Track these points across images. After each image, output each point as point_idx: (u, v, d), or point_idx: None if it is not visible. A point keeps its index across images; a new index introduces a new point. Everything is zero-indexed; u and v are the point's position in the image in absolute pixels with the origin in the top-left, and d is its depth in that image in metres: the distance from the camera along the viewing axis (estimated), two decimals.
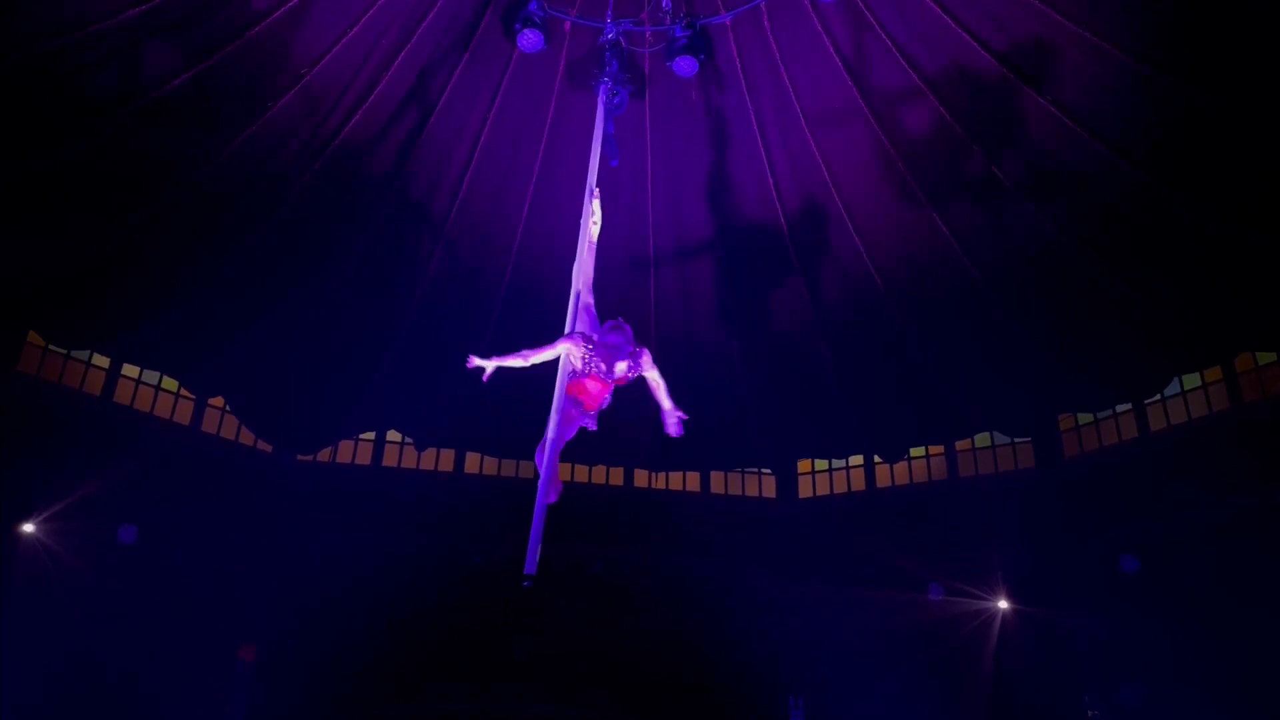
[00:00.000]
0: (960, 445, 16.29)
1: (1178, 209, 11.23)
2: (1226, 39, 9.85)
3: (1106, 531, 14.73)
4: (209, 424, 15.33)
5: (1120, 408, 14.75)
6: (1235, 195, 10.90)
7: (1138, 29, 10.17)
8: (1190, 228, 11.31)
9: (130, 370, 14.49)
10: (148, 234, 11.85)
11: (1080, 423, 15.35)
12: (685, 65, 11.07)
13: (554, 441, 6.95)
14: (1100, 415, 15.04)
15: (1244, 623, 13.01)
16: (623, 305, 11.47)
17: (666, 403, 7.61)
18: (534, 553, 6.62)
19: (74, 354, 13.96)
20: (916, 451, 16.42)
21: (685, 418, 7.58)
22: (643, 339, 14.07)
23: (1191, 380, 14.17)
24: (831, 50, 11.51)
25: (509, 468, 16.88)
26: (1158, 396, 14.30)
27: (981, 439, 16.12)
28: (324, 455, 16.22)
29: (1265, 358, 13.47)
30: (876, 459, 16.65)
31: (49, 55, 10.02)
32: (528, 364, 7.35)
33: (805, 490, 17.31)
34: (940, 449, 16.40)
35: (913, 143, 12.10)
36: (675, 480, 17.26)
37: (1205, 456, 13.91)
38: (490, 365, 7.47)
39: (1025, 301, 12.85)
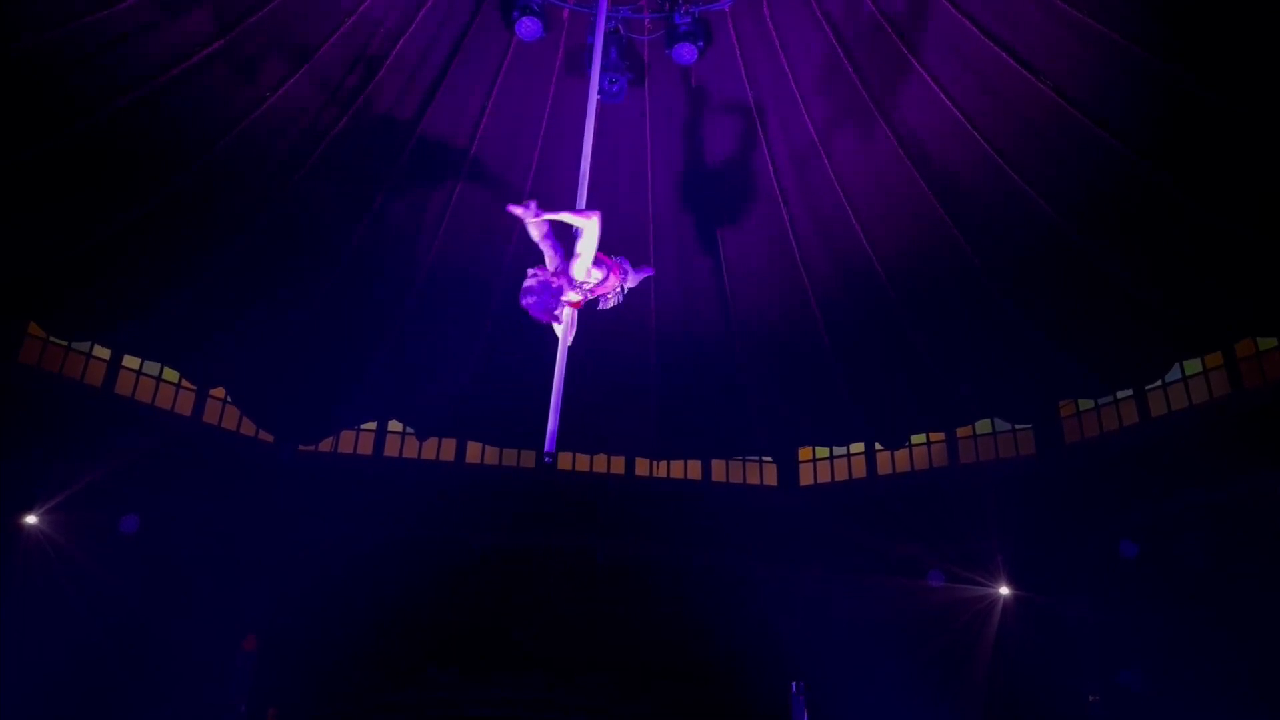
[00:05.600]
0: (961, 432, 16.28)
1: (1179, 196, 11.21)
2: (1231, 29, 9.78)
3: (1107, 517, 14.75)
4: (210, 415, 15.34)
5: (1121, 394, 14.74)
6: (1237, 186, 10.86)
7: (1143, 17, 10.12)
8: (1192, 214, 11.29)
9: (131, 361, 14.48)
10: (147, 224, 11.83)
11: (1081, 409, 15.34)
12: (684, 52, 11.04)
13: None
14: (1101, 401, 15.03)
15: (1244, 607, 13.07)
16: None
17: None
18: (553, 431, 6.91)
19: (75, 345, 13.95)
20: (917, 439, 16.41)
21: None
22: (643, 329, 14.14)
23: (1192, 366, 14.17)
24: (832, 37, 11.46)
25: (510, 457, 16.89)
26: (1159, 382, 14.29)
27: (982, 426, 16.12)
28: (325, 445, 16.24)
29: (1266, 343, 13.47)
30: (877, 446, 16.65)
31: (46, 45, 9.99)
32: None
33: (806, 478, 17.32)
34: (941, 436, 16.40)
35: (912, 129, 12.07)
36: (676, 469, 17.27)
37: (1207, 442, 13.91)
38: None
39: (1026, 288, 12.84)
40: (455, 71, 11.95)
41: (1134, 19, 10.13)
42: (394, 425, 16.52)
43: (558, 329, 7.08)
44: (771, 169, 12.85)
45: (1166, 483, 14.23)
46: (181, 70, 10.81)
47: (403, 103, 12.10)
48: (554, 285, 6.52)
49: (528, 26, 10.87)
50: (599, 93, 10.78)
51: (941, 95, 11.53)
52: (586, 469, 17.01)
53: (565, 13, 11.57)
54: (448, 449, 16.70)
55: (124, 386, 14.52)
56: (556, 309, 6.64)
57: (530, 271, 6.57)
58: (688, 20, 10.88)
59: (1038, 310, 13.03)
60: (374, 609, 15.59)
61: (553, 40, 11.64)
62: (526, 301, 6.46)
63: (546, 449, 6.94)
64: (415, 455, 16.58)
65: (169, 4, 10.18)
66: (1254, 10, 9.53)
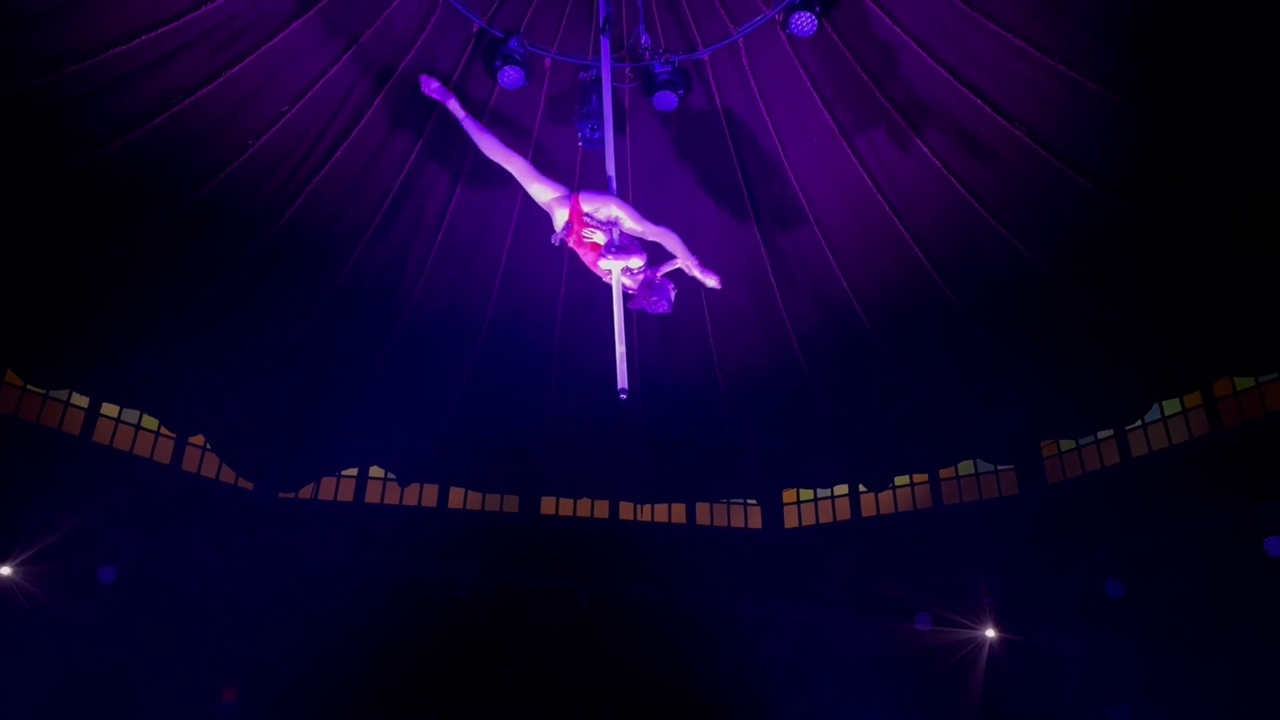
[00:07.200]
0: (944, 473, 16.32)
1: (1153, 238, 11.37)
2: (1201, 62, 9.94)
3: (1091, 556, 14.81)
4: (189, 462, 15.20)
5: (1102, 434, 14.85)
6: (1214, 219, 11.00)
7: (1110, 60, 10.33)
8: (1166, 257, 11.46)
9: (110, 409, 14.37)
10: (123, 271, 11.78)
11: (1063, 449, 15.44)
12: (665, 100, 11.21)
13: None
14: (1082, 442, 15.13)
15: (1228, 641, 13.26)
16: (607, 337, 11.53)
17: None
18: (622, 368, 7.69)
19: (53, 393, 13.85)
20: (901, 480, 16.45)
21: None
22: (628, 371, 14.12)
23: (1172, 406, 14.30)
24: (809, 85, 11.64)
25: (493, 502, 16.81)
26: (1139, 422, 14.39)
27: (965, 466, 16.18)
28: (305, 492, 16.11)
29: (1244, 383, 13.63)
30: (861, 488, 16.66)
31: (23, 95, 10.00)
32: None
33: (791, 520, 17.29)
34: (924, 477, 16.44)
35: (890, 173, 12.22)
36: (660, 512, 17.22)
37: (1187, 480, 14.03)
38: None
39: (1006, 330, 12.95)
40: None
41: (1105, 59, 10.32)
42: (375, 471, 16.43)
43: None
44: (751, 211, 12.96)
45: (1150, 520, 14.32)
46: (164, 118, 10.83)
47: (386, 149, 12.17)
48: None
49: (510, 75, 11.00)
50: (581, 140, 10.97)
51: (918, 140, 11.70)
52: (570, 514, 16.95)
53: (547, 61, 11.72)
54: (430, 495, 16.60)
55: (102, 434, 14.41)
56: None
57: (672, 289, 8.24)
58: (667, 69, 11.05)
59: (1018, 351, 13.14)
60: (357, 653, 15.44)
61: (535, 88, 11.77)
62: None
63: (621, 387, 7.64)
64: (397, 501, 16.47)
65: (149, 57, 10.22)
66: (1225, 41, 9.73)
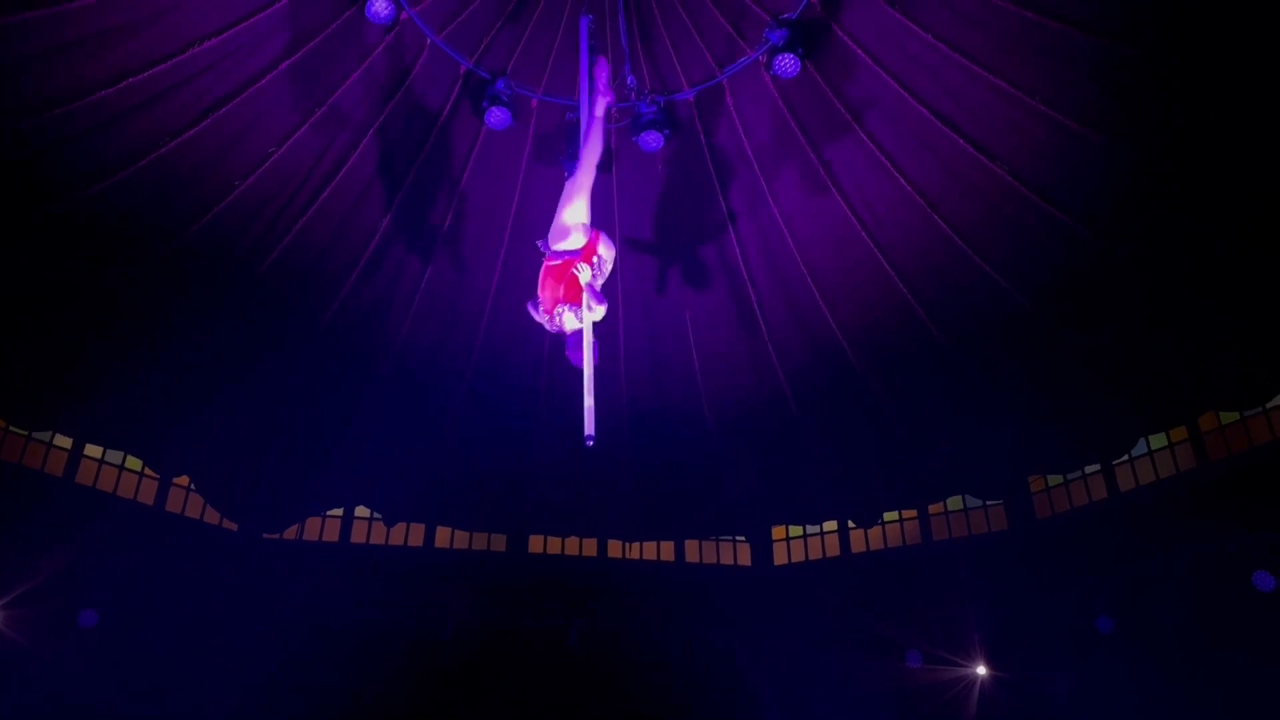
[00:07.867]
0: (933, 509, 16.28)
1: (1134, 275, 11.45)
2: (1200, 61, 9.93)
3: (1080, 590, 14.76)
4: (173, 503, 15.04)
5: (1089, 469, 14.86)
6: (1213, 219, 11.00)
7: (1092, 100, 10.46)
8: (1147, 293, 11.54)
9: (93, 450, 14.24)
10: (108, 311, 11.76)
11: (1050, 484, 15.44)
12: (651, 140, 11.31)
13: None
14: (1070, 476, 15.15)
15: (1216, 673, 13.22)
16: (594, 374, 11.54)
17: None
18: (590, 414, 7.56)
19: (35, 434, 13.73)
20: (890, 516, 16.39)
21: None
22: (614, 408, 14.13)
23: (1158, 440, 14.34)
24: (794, 124, 11.76)
25: (480, 540, 16.68)
26: (1126, 457, 14.43)
27: (954, 502, 16.14)
28: (290, 533, 15.96)
29: (1228, 417, 13.68)
30: (851, 524, 16.61)
31: (12, 134, 10.02)
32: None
33: (780, 557, 17.20)
34: (914, 513, 16.40)
35: (873, 210, 12.32)
36: (649, 550, 17.11)
37: (1174, 514, 14.03)
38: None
39: (993, 367, 13.00)
40: (426, 157, 12.11)
41: (1088, 98, 10.44)
42: (361, 510, 16.30)
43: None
44: (737, 249, 13.05)
45: (1138, 554, 14.30)
46: (151, 159, 10.87)
47: (373, 188, 12.21)
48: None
49: (497, 116, 11.11)
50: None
51: (900, 179, 11.81)
52: (559, 552, 16.84)
53: (534, 102, 11.83)
54: (416, 534, 16.45)
55: (85, 476, 14.26)
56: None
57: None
58: (653, 109, 11.16)
59: (1005, 387, 13.18)
60: (344, 695, 15.24)
61: (521, 128, 11.86)
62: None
63: (587, 433, 7.53)
64: (383, 540, 16.31)
65: (135, 100, 10.27)
66: (1202, 83, 9.85)
